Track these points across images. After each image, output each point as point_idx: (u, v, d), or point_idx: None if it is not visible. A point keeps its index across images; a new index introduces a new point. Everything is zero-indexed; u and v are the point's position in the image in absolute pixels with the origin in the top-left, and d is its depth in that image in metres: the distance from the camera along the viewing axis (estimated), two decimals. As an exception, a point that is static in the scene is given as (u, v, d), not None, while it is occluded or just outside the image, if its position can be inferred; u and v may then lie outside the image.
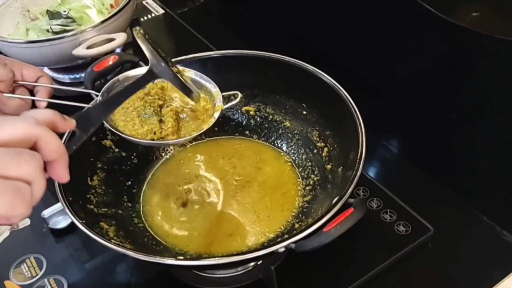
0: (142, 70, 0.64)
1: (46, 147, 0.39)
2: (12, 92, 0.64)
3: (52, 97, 0.67)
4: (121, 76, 0.64)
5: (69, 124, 0.44)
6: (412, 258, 0.67)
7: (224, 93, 0.64)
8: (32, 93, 0.67)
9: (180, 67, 0.64)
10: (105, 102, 0.53)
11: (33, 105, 0.65)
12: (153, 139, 0.60)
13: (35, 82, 0.66)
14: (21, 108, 0.64)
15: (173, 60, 0.66)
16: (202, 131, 0.61)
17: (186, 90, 0.56)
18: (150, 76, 0.54)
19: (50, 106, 0.65)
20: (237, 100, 0.67)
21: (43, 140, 0.38)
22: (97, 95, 0.64)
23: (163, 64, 0.53)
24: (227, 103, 0.66)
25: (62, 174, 0.40)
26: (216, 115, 0.61)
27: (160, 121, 0.61)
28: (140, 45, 0.55)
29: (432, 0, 0.65)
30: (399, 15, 0.73)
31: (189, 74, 0.65)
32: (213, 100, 0.63)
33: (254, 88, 0.77)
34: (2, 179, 0.35)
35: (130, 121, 0.61)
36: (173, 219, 0.70)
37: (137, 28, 0.57)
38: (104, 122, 0.58)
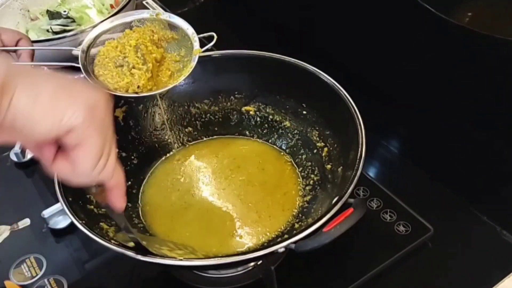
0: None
1: None
2: None
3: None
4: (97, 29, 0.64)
5: None
6: (412, 258, 0.67)
7: (199, 35, 0.63)
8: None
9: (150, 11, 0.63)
10: None
11: None
12: (136, 92, 0.59)
13: (16, 45, 0.65)
14: None
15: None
16: (185, 77, 0.62)
17: None
18: None
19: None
20: (213, 42, 0.64)
21: None
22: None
23: None
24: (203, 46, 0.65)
25: None
26: (195, 59, 0.61)
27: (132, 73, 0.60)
28: None
29: (432, 0, 0.65)
30: (399, 15, 0.73)
31: (164, 16, 0.65)
32: (190, 44, 0.62)
33: (254, 88, 0.77)
34: None
35: (108, 73, 0.60)
36: (173, 219, 0.69)
37: None
38: (87, 77, 0.58)
